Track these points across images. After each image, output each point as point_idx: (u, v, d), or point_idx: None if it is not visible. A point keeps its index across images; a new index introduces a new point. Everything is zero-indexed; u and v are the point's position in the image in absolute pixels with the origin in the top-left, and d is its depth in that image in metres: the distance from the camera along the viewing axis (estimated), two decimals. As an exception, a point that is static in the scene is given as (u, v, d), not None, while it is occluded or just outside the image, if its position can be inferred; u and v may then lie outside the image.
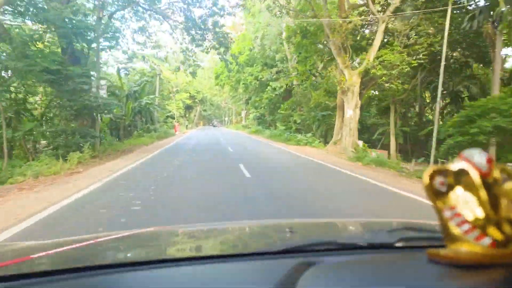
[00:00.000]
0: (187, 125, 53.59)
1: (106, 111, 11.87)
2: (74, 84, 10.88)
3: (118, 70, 25.47)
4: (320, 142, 18.64)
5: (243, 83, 33.12)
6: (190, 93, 50.07)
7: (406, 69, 14.32)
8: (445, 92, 20.94)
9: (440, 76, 11.69)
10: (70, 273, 0.81)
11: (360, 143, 16.73)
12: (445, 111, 21.34)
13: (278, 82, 28.80)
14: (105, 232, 1.47)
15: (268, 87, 29.55)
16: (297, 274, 0.76)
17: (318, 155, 14.80)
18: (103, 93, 12.67)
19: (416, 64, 14.55)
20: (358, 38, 16.44)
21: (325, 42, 20.10)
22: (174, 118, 43.89)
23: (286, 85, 28.52)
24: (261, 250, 1.05)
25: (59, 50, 14.39)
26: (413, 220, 1.74)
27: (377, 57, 15.53)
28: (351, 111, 16.39)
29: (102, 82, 12.72)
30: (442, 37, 14.53)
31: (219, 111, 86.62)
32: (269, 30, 27.61)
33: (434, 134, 11.63)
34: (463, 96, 19.48)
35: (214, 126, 69.68)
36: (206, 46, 22.57)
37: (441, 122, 20.56)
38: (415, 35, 14.34)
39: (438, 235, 0.87)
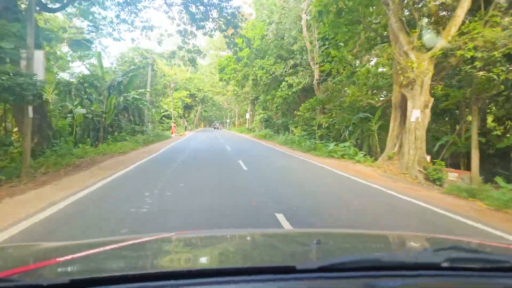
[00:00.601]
0: (186, 126, 48.49)
1: (27, 97, 6.69)
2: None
3: (99, 54, 20.40)
4: (365, 155, 13.45)
5: (252, 78, 28.00)
6: (190, 91, 44.99)
7: (517, 50, 9.26)
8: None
9: None
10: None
11: (428, 158, 11.64)
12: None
13: (296, 77, 23.67)
14: (129, 236, 1.61)
15: (283, 83, 24.43)
16: None
17: (378, 178, 9.66)
18: (40, 70, 7.59)
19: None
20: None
21: (370, 20, 15.06)
22: (170, 118, 38.80)
23: (306, 80, 23.42)
24: (300, 266, 0.91)
25: None
26: (442, 236, 1.95)
27: (461, 33, 10.50)
28: (418, 112, 11.28)
29: (38, 53, 7.65)
30: None
31: (220, 112, 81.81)
32: (287, 12, 22.56)
33: None
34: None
35: (215, 128, 64.72)
36: (209, 28, 17.60)
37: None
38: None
39: (491, 256, 1.06)
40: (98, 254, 1.15)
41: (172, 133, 31.89)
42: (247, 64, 27.56)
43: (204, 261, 1.19)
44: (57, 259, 1.06)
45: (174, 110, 40.91)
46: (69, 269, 1.02)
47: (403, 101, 12.32)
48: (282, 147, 20.20)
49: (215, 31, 17.84)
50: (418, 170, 10.93)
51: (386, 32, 15.07)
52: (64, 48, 35.85)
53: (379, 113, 16.31)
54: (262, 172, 9.36)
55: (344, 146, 14.70)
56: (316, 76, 22.39)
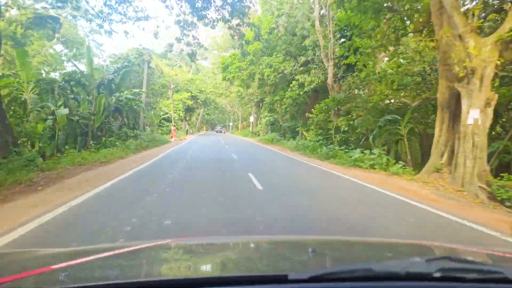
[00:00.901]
0: (187, 130, 46.18)
1: None
2: None
3: (88, 48, 18.12)
4: (404, 166, 10.88)
5: (258, 78, 25.62)
6: (191, 93, 42.67)
7: None
8: None
9: None
10: None
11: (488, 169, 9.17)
12: None
13: (308, 75, 21.28)
14: (124, 243, 1.56)
15: (294, 82, 22.04)
16: None
17: (437, 200, 7.21)
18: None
19: None
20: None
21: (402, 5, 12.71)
22: (170, 121, 36.47)
23: (319, 79, 21.05)
24: (292, 276, 0.90)
25: None
26: (440, 243, 1.75)
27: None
28: (476, 113, 8.85)
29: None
30: None
31: (223, 115, 79.67)
32: (298, 3, 20.24)
33: None
34: None
35: (217, 132, 62.39)
36: (211, 18, 15.38)
37: None
38: None
39: (484, 267, 1.03)
40: (93, 262, 1.13)
41: (171, 137, 29.57)
42: (253, 61, 25.23)
43: (195, 270, 1.14)
44: (52, 267, 1.04)
45: (174, 112, 38.59)
46: (62, 276, 0.99)
47: (453, 99, 9.90)
48: (295, 154, 17.78)
49: (218, 21, 15.54)
50: (479, 186, 8.47)
51: (423, 18, 12.72)
52: (58, 47, 33.82)
53: (409, 115, 13.91)
54: (283, 192, 6.92)
55: (373, 154, 12.25)
56: (330, 74, 20.03)
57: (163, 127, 35.53)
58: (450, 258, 1.15)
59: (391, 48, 13.57)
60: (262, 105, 36.46)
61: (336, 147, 15.42)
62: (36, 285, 0.88)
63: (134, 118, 20.60)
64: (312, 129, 20.66)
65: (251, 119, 47.37)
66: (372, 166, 11.72)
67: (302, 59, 22.15)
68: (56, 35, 27.81)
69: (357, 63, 13.97)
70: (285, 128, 30.98)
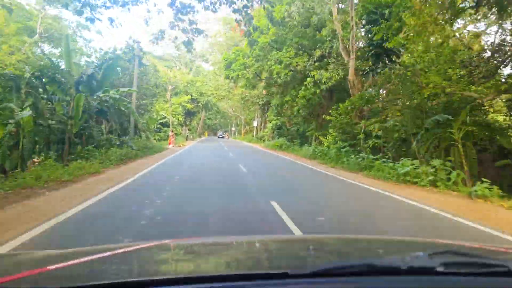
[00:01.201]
0: (187, 136, 43.15)
1: None
2: None
3: (67, 37, 15.08)
4: (490, 186, 7.58)
5: (266, 76, 22.52)
6: (191, 96, 39.68)
7: None
8: None
9: None
10: None
11: None
12: None
13: (326, 71, 18.19)
14: (122, 243, 1.41)
15: (308, 79, 18.93)
16: None
17: None
18: None
19: None
20: None
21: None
22: (169, 126, 33.43)
23: (339, 75, 17.95)
24: (292, 271, 0.90)
25: None
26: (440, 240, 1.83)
27: None
28: None
29: None
30: None
31: (225, 120, 76.71)
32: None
33: None
34: None
35: (220, 137, 59.32)
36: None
37: None
38: None
39: (487, 261, 0.98)
40: (91, 262, 1.12)
41: (169, 143, 26.56)
42: (259, 57, 22.17)
43: (195, 268, 1.13)
44: (49, 267, 1.02)
45: (173, 117, 35.55)
46: (59, 277, 0.97)
47: None
48: (315, 163, 14.65)
49: (220, 4, 12.55)
50: None
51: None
52: (44, 46, 30.92)
53: (464, 116, 10.82)
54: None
55: (435, 167, 9.09)
56: (352, 70, 16.91)
57: (161, 132, 32.55)
58: (453, 252, 1.14)
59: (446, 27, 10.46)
60: (267, 108, 33.41)
61: (370, 156, 12.26)
62: (33, 285, 0.86)
63: (122, 122, 17.49)
64: (331, 134, 17.51)
65: (255, 123, 44.33)
66: (433, 183, 8.55)
67: (318, 52, 19.08)
68: (38, 30, 24.99)
69: (405, 45, 10.83)
70: (293, 133, 27.97)
